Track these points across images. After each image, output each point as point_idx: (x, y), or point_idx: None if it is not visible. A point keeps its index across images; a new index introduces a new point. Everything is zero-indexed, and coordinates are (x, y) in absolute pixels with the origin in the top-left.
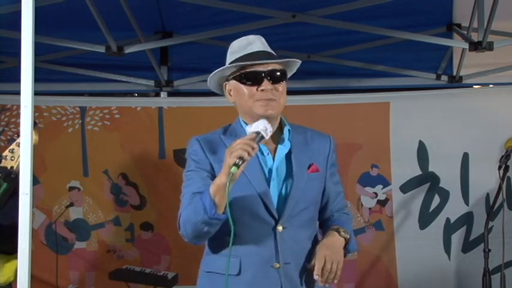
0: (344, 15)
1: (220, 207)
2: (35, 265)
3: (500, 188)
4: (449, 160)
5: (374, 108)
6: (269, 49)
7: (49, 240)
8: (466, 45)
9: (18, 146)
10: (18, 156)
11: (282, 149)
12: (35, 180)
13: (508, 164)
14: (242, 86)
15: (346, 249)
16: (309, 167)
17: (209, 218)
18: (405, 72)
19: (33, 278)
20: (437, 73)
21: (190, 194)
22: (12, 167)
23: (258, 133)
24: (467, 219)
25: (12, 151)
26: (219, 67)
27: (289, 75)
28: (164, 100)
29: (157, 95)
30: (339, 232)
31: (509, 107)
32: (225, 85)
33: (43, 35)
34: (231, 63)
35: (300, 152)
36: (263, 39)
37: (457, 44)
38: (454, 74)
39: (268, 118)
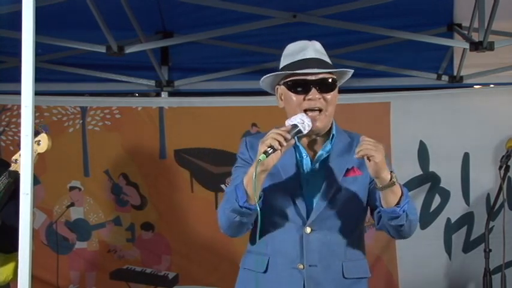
0: (344, 15)
1: (252, 197)
2: (36, 265)
3: (500, 188)
4: (449, 160)
5: (374, 108)
6: (323, 56)
7: (50, 240)
8: (467, 45)
9: None
10: None
11: (322, 154)
12: (36, 180)
13: (508, 164)
14: (290, 93)
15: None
16: (347, 171)
17: (239, 207)
18: (406, 72)
19: (34, 278)
20: (438, 73)
21: (232, 186)
22: None
23: (295, 126)
24: (467, 219)
25: None
26: (220, 67)
27: (341, 82)
28: (165, 100)
29: (158, 95)
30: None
31: (509, 107)
32: (277, 89)
33: (43, 35)
34: (281, 68)
35: (338, 156)
36: (318, 45)
37: (458, 44)
38: (455, 74)
39: (315, 131)
